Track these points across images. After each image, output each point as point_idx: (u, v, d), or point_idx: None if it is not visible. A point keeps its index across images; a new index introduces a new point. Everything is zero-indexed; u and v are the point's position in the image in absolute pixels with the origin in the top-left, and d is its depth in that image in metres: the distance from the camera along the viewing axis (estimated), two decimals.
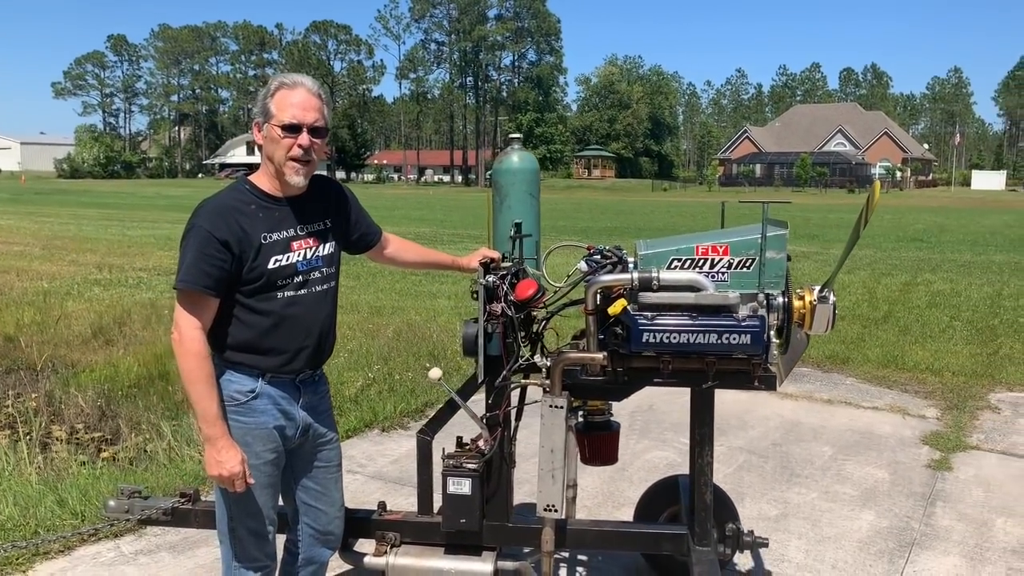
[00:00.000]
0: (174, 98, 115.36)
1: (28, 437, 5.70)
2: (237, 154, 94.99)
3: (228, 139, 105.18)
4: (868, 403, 6.65)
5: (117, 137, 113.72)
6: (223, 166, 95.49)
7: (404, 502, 4.42)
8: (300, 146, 2.52)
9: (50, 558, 3.90)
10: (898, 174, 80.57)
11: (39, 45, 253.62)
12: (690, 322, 2.68)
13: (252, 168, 2.70)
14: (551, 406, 2.83)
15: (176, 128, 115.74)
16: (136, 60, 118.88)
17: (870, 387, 7.15)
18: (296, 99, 2.52)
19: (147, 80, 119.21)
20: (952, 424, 6.09)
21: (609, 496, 4.72)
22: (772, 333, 2.73)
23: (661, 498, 3.66)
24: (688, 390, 3.02)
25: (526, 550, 3.30)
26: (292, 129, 2.51)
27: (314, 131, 2.55)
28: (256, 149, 2.65)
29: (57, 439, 5.86)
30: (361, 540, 3.28)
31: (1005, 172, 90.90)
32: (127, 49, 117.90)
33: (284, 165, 2.54)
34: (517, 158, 3.14)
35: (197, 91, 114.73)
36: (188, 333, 2.45)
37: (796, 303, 2.73)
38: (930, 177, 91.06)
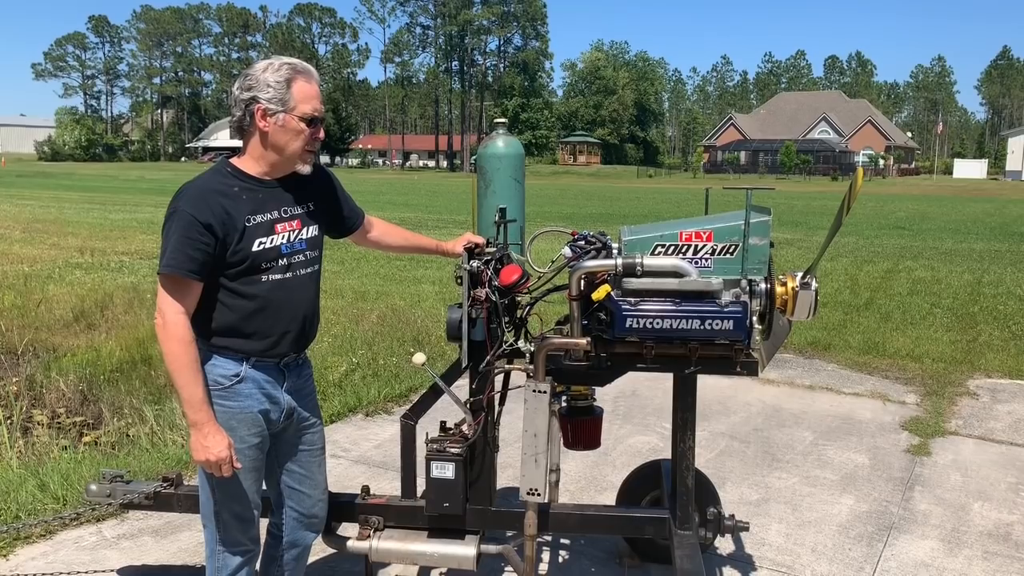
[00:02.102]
0: (156, 80, 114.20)
1: (9, 421, 5.67)
2: (220, 137, 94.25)
3: (211, 122, 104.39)
4: (849, 389, 6.71)
5: (99, 120, 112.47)
6: (206, 149, 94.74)
7: (388, 486, 4.43)
8: (317, 138, 2.58)
9: (31, 542, 3.89)
10: (881, 162, 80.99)
11: (18, 25, 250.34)
12: (673, 308, 2.69)
13: (235, 151, 2.67)
14: (534, 391, 2.84)
15: (159, 111, 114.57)
16: (118, 41, 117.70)
17: (851, 373, 7.22)
18: (314, 91, 2.54)
19: (129, 62, 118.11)
20: (931, 410, 6.15)
21: (592, 480, 4.75)
22: (754, 319, 2.75)
23: (643, 482, 3.68)
24: (671, 375, 3.04)
25: (509, 534, 3.32)
26: (315, 122, 2.55)
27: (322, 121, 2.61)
28: (242, 132, 2.58)
29: (38, 423, 5.82)
30: (345, 524, 3.29)
31: (986, 161, 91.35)
32: (108, 30, 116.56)
33: (300, 155, 2.57)
34: (502, 143, 3.13)
35: (180, 73, 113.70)
36: (172, 318, 2.43)
37: (779, 289, 2.75)
38: (913, 165, 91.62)
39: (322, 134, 2.60)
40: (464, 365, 3.04)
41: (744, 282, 2.72)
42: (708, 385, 6.07)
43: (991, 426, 5.84)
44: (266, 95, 2.48)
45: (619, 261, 2.71)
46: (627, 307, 2.70)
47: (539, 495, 2.90)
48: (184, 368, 2.44)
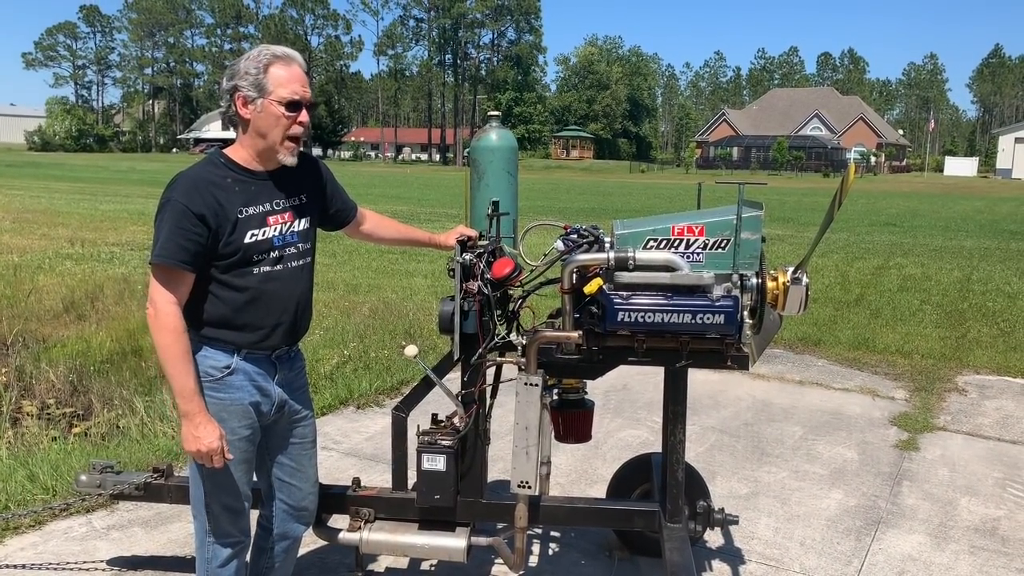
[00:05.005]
0: (148, 71, 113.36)
1: None
2: (212, 129, 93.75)
3: (203, 113, 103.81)
4: (839, 384, 6.74)
5: (90, 110, 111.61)
6: (197, 141, 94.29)
7: (379, 478, 4.44)
8: (301, 124, 2.52)
9: (21, 533, 3.88)
10: (873, 159, 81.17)
11: (9, 14, 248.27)
12: (664, 302, 2.69)
13: (227, 143, 2.66)
14: (526, 384, 2.84)
15: (150, 102, 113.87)
16: (109, 31, 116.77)
17: (841, 369, 7.25)
18: (293, 75, 2.50)
19: (120, 52, 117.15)
20: (920, 406, 6.19)
21: (582, 473, 4.76)
22: (745, 314, 2.76)
23: (634, 475, 3.69)
24: (662, 369, 3.05)
25: (499, 526, 3.32)
26: (295, 106, 2.49)
27: (310, 107, 2.54)
28: (233, 123, 2.59)
29: (28, 414, 5.80)
30: (335, 516, 3.29)
31: (977, 159, 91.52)
32: (100, 20, 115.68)
33: (281, 144, 2.52)
34: (495, 135, 3.13)
35: (171, 64, 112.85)
36: (164, 308, 2.43)
37: (770, 284, 2.76)
38: (904, 162, 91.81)
39: (305, 118, 2.52)
40: (456, 358, 3.04)
41: (735, 276, 2.73)
42: (699, 379, 6.09)
43: (979, 422, 5.87)
44: (245, 82, 2.49)
45: (611, 255, 2.72)
46: (619, 301, 2.70)
47: (530, 488, 2.90)
48: (175, 359, 2.44)
